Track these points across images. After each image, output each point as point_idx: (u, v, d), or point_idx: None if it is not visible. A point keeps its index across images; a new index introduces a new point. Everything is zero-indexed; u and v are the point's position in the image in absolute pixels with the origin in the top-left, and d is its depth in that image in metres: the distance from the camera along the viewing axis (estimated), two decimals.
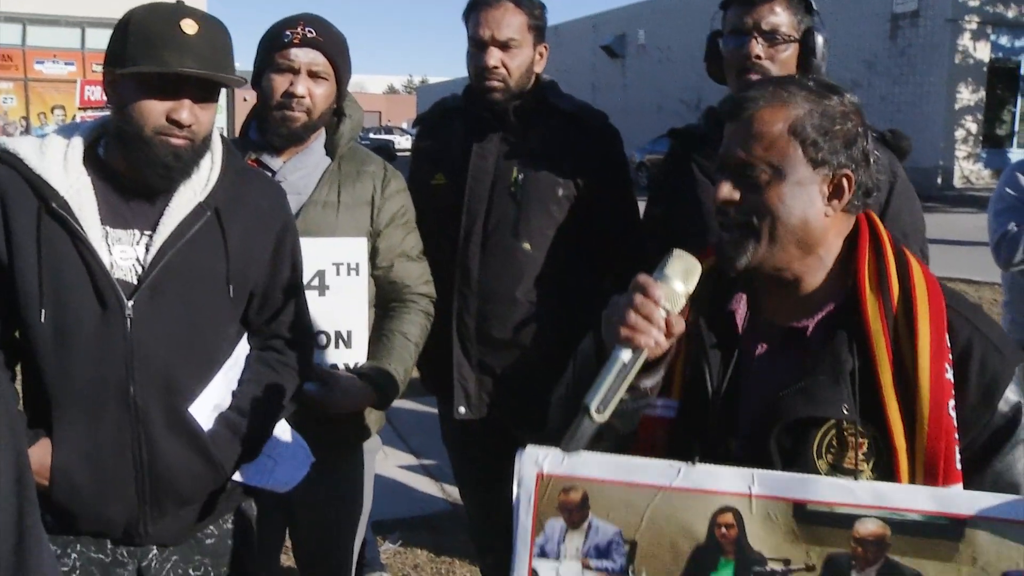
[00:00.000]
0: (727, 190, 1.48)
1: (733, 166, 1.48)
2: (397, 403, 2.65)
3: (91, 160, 1.88)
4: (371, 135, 45.30)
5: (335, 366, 2.45)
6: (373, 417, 2.63)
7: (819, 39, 2.35)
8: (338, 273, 2.43)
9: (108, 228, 1.84)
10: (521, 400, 2.63)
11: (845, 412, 1.40)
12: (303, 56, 2.34)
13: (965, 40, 23.10)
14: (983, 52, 23.48)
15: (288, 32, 2.35)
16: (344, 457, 2.62)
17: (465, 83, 2.88)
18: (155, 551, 1.98)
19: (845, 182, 1.47)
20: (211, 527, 2.06)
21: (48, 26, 18.56)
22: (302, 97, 2.36)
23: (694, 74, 32.83)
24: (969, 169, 23.89)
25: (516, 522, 1.41)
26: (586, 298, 2.64)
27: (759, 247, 1.47)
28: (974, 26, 23.14)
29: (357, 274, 2.45)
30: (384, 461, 2.92)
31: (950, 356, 1.40)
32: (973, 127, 23.76)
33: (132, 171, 1.84)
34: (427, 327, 2.61)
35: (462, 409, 2.80)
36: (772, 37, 2.31)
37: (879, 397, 1.39)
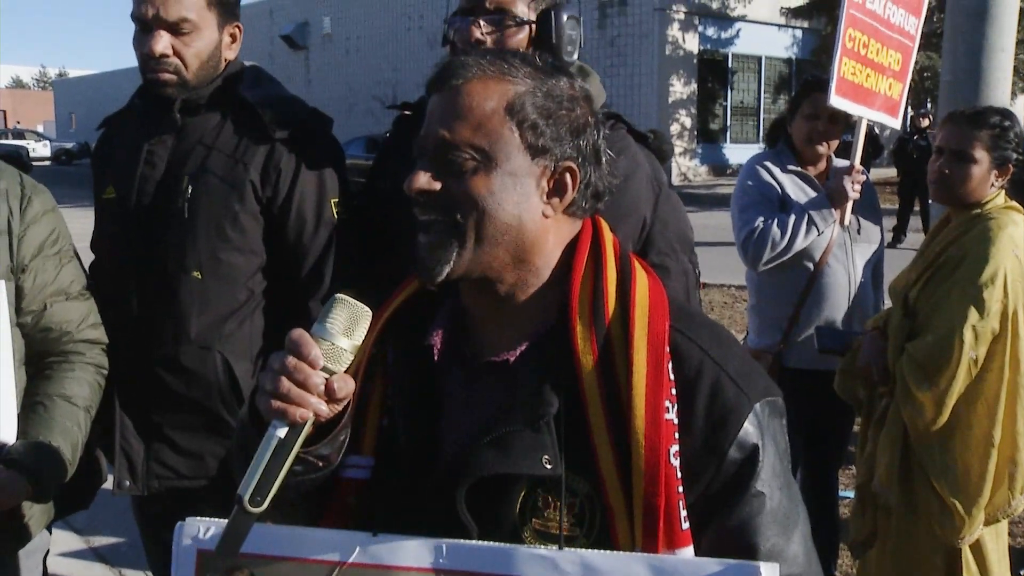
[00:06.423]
0: (424, 179, 1.38)
1: (433, 148, 1.39)
2: None
3: None
4: None
5: None
6: (35, 512, 2.38)
7: (563, 19, 2.34)
8: None
9: None
10: (204, 467, 2.60)
11: (547, 467, 1.31)
12: None
13: (674, 31, 25.33)
14: (692, 43, 25.81)
15: None
16: None
17: (117, 76, 2.67)
18: None
19: (568, 177, 1.41)
20: None
21: None
22: None
23: (388, 66, 33.41)
24: (686, 166, 26.12)
25: None
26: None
27: (464, 251, 1.38)
28: (682, 16, 25.38)
29: None
30: None
31: (673, 391, 1.33)
32: (687, 121, 25.97)
33: None
34: (100, 384, 2.44)
35: (126, 483, 2.67)
36: (497, 19, 2.31)
37: (590, 445, 1.31)
